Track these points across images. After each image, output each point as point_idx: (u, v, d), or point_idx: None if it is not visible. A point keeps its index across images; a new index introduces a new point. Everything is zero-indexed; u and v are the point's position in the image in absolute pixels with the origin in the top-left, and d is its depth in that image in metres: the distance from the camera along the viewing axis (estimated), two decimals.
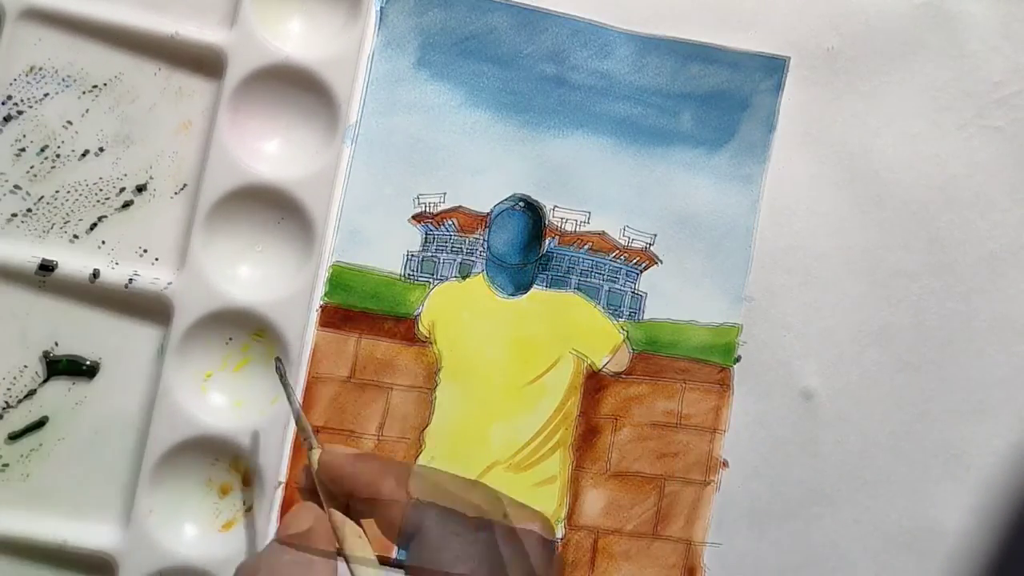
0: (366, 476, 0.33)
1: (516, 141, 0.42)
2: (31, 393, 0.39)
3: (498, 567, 0.31)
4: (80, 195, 0.40)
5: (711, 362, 0.42)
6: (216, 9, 0.40)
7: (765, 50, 0.42)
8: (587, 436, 0.41)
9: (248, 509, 0.40)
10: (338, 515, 0.33)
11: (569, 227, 0.42)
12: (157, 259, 0.40)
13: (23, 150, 0.39)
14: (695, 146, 0.42)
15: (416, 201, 0.41)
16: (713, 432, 0.42)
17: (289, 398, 0.37)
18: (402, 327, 0.41)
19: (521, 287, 0.42)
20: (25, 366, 0.39)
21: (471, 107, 0.41)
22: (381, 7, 0.41)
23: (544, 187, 0.42)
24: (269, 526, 0.39)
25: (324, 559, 0.32)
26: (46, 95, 0.39)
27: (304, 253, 0.40)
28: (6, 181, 0.39)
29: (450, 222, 0.41)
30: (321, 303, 0.40)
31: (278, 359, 0.38)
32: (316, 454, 0.35)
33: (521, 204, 0.42)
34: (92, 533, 0.39)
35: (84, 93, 0.40)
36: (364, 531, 0.33)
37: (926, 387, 0.42)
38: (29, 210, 0.39)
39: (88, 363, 0.40)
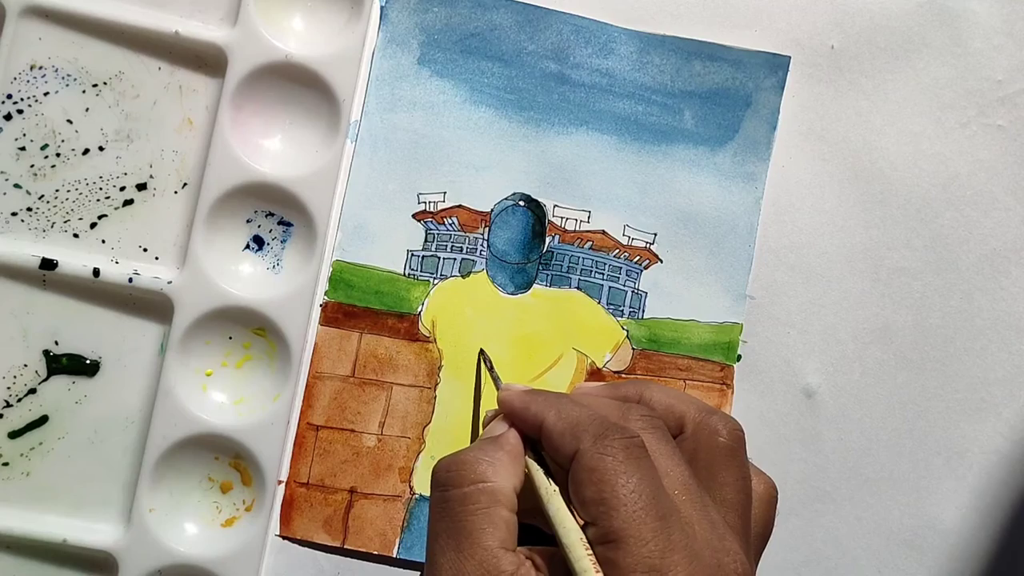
0: (533, 407, 0.33)
1: (518, 139, 0.42)
2: (32, 391, 0.39)
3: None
4: (81, 193, 0.40)
5: (713, 360, 0.42)
6: (218, 7, 0.40)
7: (768, 48, 0.42)
8: None
9: (249, 507, 0.40)
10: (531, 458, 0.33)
11: (570, 225, 0.42)
12: (158, 257, 0.40)
13: (24, 148, 0.39)
14: (697, 144, 0.42)
15: (418, 199, 0.41)
16: None
17: (494, 379, 0.38)
18: (404, 324, 0.41)
19: (522, 285, 0.42)
20: (26, 364, 0.39)
21: (473, 105, 0.41)
22: (383, 5, 0.41)
23: (546, 185, 0.42)
24: (270, 524, 0.39)
25: (511, 462, 0.32)
26: (47, 92, 0.39)
27: (306, 250, 0.40)
28: (7, 179, 0.39)
29: (451, 220, 0.41)
30: (323, 300, 0.40)
31: (482, 351, 0.40)
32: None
33: (522, 202, 0.42)
34: (93, 531, 0.39)
35: (85, 91, 0.40)
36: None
37: (928, 385, 0.42)
38: (30, 208, 0.39)
39: (89, 361, 0.40)
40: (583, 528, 0.30)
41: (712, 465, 0.32)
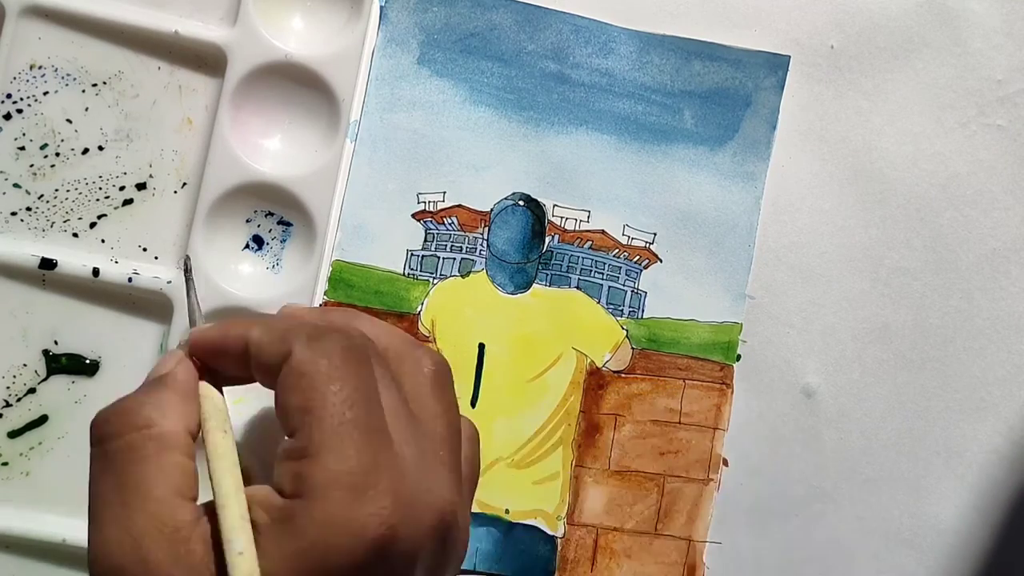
0: (233, 330, 0.30)
1: (518, 138, 0.42)
2: (32, 390, 0.39)
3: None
4: (81, 192, 0.40)
5: (712, 360, 0.42)
6: (218, 6, 0.40)
7: (768, 48, 0.42)
8: (588, 433, 0.41)
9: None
10: (205, 385, 0.30)
11: (570, 225, 0.42)
12: (158, 257, 0.40)
13: (24, 148, 0.39)
14: (697, 144, 0.42)
15: (417, 198, 0.41)
16: (714, 430, 0.42)
17: (188, 294, 0.35)
18: (404, 324, 0.41)
19: (522, 285, 0.42)
20: (25, 364, 0.39)
21: (473, 104, 0.41)
22: (383, 5, 0.41)
23: (545, 184, 0.42)
24: None
25: (179, 399, 0.29)
26: (47, 92, 0.39)
27: (306, 250, 0.40)
28: (6, 179, 0.39)
29: (451, 220, 0.41)
30: (323, 300, 0.40)
31: (187, 257, 0.37)
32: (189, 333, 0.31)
33: (522, 202, 0.42)
34: None
35: (85, 90, 0.40)
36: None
37: (927, 385, 0.43)
38: (29, 208, 0.39)
39: (89, 360, 0.40)
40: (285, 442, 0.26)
41: (418, 397, 0.30)
